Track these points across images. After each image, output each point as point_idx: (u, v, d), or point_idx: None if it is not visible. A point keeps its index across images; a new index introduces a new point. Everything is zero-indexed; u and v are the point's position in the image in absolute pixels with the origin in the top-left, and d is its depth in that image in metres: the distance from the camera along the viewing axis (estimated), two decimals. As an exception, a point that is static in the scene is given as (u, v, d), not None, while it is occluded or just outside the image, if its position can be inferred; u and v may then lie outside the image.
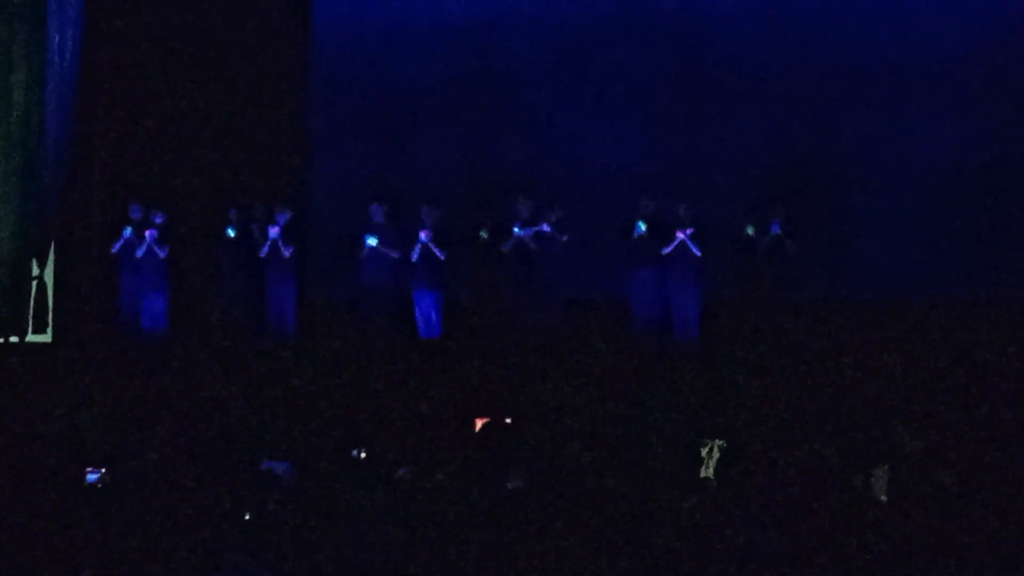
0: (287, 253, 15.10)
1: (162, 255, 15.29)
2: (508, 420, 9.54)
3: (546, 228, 14.66)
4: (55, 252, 15.74)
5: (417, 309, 14.84)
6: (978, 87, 15.72)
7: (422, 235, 14.80)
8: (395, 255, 14.89)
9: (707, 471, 7.39)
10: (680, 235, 14.58)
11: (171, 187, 15.92)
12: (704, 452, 7.62)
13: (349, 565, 6.34)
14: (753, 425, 10.90)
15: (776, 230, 14.60)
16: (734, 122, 15.96)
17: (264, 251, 15.14)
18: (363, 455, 8.33)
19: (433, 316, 14.81)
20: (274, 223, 15.19)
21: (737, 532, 6.36)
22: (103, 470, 7.78)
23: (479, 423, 9.19)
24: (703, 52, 16.09)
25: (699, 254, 14.56)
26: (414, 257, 14.83)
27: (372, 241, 14.84)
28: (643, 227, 14.62)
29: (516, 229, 14.67)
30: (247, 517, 6.79)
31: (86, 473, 7.81)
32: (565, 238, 14.68)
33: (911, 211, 15.63)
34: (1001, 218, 15.59)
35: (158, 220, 15.31)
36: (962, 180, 15.62)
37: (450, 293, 14.97)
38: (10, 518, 6.58)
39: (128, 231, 15.35)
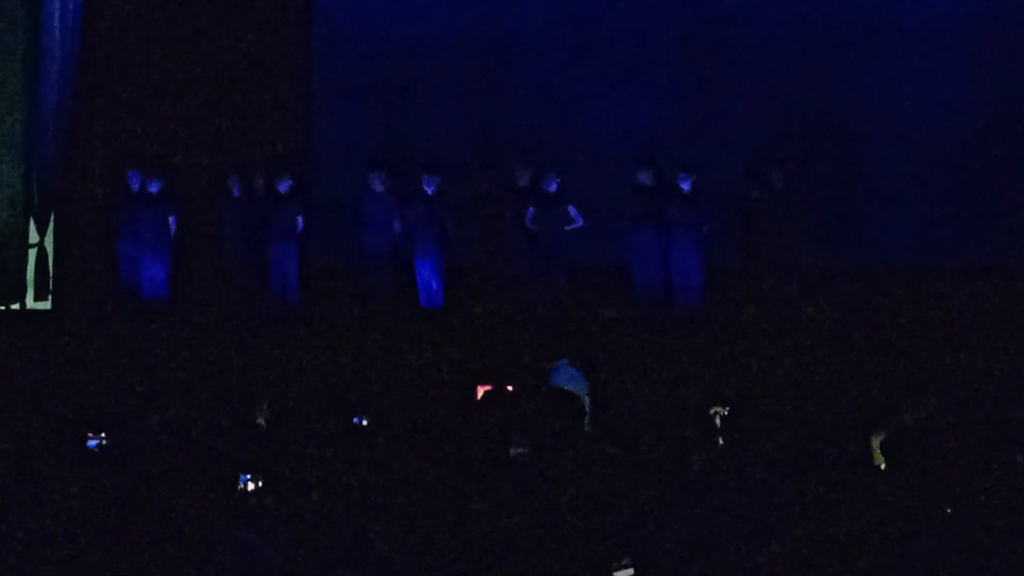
0: (298, 224, 15.06)
1: (172, 218, 15.23)
2: (510, 388, 9.54)
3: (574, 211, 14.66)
4: (56, 219, 15.70)
5: (418, 277, 14.82)
6: (985, 48, 15.67)
7: (422, 201, 14.77)
8: (398, 225, 14.86)
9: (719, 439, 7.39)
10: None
11: (171, 153, 15.87)
12: (717, 421, 7.62)
13: (349, 535, 6.33)
14: (755, 392, 10.89)
15: (776, 185, 14.57)
16: (738, 87, 15.91)
17: (267, 220, 15.13)
18: (365, 423, 8.31)
19: (434, 284, 14.78)
20: (277, 191, 15.16)
21: (740, 498, 6.35)
22: (103, 435, 7.77)
23: (481, 390, 9.18)
24: (708, 14, 16.03)
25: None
26: (414, 224, 14.77)
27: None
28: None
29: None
30: (244, 486, 6.78)
31: (87, 439, 7.81)
32: (580, 224, 14.65)
33: (916, 176, 15.59)
34: (1009, 183, 15.55)
35: (153, 188, 15.23)
36: (970, 144, 15.59)
37: (451, 260, 14.94)
38: (10, 484, 6.58)
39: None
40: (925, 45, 15.73)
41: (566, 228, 14.74)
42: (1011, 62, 15.71)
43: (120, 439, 7.87)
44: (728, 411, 7.89)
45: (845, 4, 15.91)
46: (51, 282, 15.61)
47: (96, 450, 7.60)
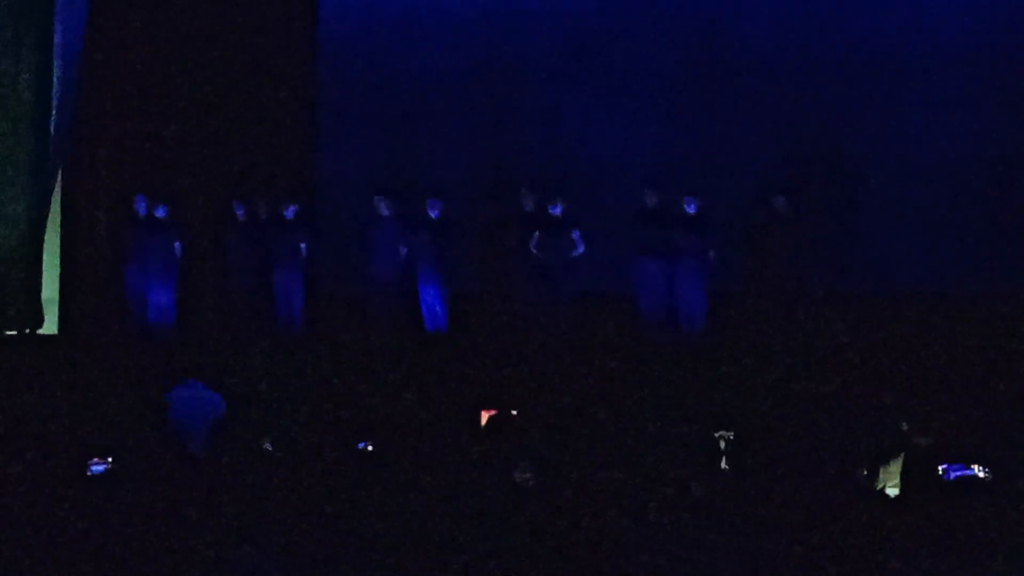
0: (301, 250, 15.11)
1: (177, 245, 15.29)
2: (514, 413, 9.54)
3: (576, 235, 14.66)
4: (61, 245, 15.73)
5: (423, 302, 14.84)
6: (990, 79, 15.71)
7: (427, 228, 14.81)
8: (399, 249, 14.90)
9: (724, 463, 7.40)
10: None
11: (176, 180, 15.90)
12: (722, 445, 7.63)
13: (354, 559, 6.34)
14: (760, 419, 10.88)
15: (779, 204, 14.58)
16: (743, 114, 15.95)
17: (272, 248, 15.17)
18: (370, 448, 8.33)
19: (438, 308, 14.80)
20: (280, 218, 15.20)
21: (745, 525, 6.35)
22: (109, 459, 7.80)
23: (485, 416, 9.19)
24: (712, 43, 16.08)
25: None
26: (420, 251, 14.79)
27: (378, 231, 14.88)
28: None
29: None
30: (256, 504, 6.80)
31: (90, 465, 7.83)
32: (581, 251, 14.67)
33: (920, 204, 15.62)
34: (1012, 211, 15.57)
35: (159, 214, 15.28)
36: (973, 172, 15.62)
37: (456, 287, 14.96)
38: (15, 510, 6.59)
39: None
40: (929, 72, 15.76)
41: (570, 256, 14.74)
42: (1015, 89, 15.74)
43: (126, 464, 7.89)
44: (733, 436, 7.90)
45: (850, 31, 15.94)
46: (45, 307, 15.57)
47: (103, 474, 7.62)
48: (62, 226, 15.74)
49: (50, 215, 15.66)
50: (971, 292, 15.00)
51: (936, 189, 15.65)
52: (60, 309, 15.66)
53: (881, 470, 7.16)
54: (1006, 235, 15.58)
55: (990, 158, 15.68)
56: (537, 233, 14.73)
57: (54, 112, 15.53)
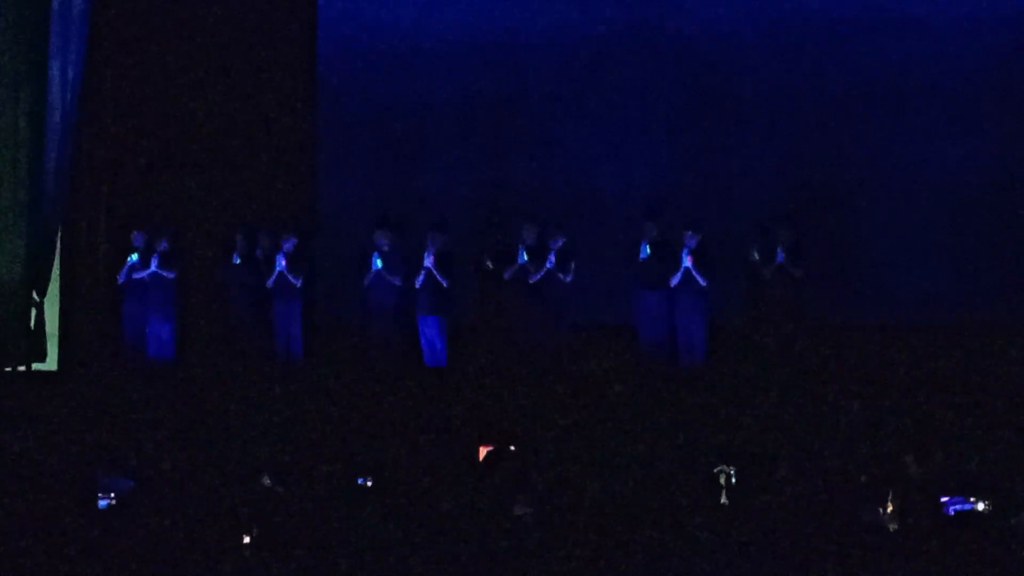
0: (297, 283, 15.11)
1: (171, 276, 15.29)
2: (512, 447, 9.54)
3: (551, 262, 14.63)
4: (60, 279, 15.73)
5: (422, 335, 14.83)
6: (988, 108, 15.73)
7: (427, 261, 14.79)
8: (398, 282, 14.89)
9: (724, 498, 7.39)
10: (686, 263, 14.55)
11: (176, 212, 15.94)
12: (722, 480, 7.63)
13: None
14: (759, 451, 10.86)
15: (780, 258, 14.57)
16: (744, 145, 15.97)
17: (271, 281, 15.17)
18: (369, 484, 8.33)
19: (438, 344, 14.79)
20: (280, 250, 15.20)
21: (745, 556, 6.35)
22: (112, 495, 7.81)
23: (483, 451, 9.18)
24: (714, 75, 16.09)
25: (704, 283, 14.55)
26: (418, 284, 14.80)
27: (378, 263, 14.84)
28: (648, 249, 14.60)
29: (522, 259, 14.70)
30: (246, 540, 6.80)
31: (95, 499, 7.84)
32: (569, 279, 14.65)
33: (921, 234, 15.62)
34: (1013, 239, 15.58)
35: (162, 247, 15.33)
36: (973, 202, 15.62)
37: (455, 318, 14.96)
38: (17, 545, 6.59)
39: (132, 258, 15.38)
40: (930, 102, 15.79)
41: (564, 279, 14.70)
42: (1015, 122, 15.76)
43: (126, 498, 7.89)
44: (733, 471, 7.90)
45: (850, 65, 15.96)
46: (47, 342, 15.56)
47: (107, 509, 7.64)
48: (62, 261, 15.74)
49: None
50: (973, 322, 14.99)
51: (937, 219, 15.66)
52: (60, 344, 15.64)
53: (882, 504, 7.15)
54: (1008, 265, 15.58)
55: (992, 188, 15.69)
56: (534, 267, 14.72)
57: (54, 149, 15.53)
